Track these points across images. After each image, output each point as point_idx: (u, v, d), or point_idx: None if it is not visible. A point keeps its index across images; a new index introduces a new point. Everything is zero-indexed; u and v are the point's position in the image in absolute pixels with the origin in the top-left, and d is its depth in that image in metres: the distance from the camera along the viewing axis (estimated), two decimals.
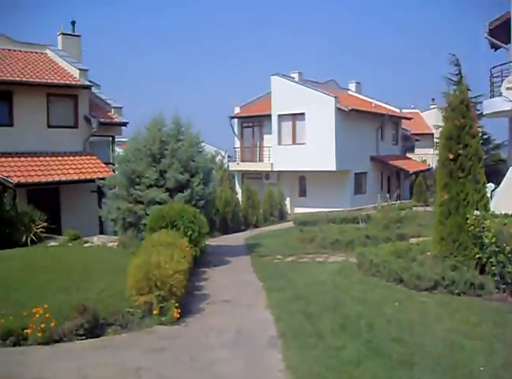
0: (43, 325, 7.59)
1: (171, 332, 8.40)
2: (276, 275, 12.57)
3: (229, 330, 8.47)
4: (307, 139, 32.17)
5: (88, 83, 24.38)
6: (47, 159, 22.41)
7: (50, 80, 23.02)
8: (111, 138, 25.84)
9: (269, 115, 33.99)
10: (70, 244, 17.50)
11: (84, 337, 7.93)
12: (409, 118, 42.84)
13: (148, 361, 7.10)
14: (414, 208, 26.53)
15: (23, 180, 20.27)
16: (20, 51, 25.16)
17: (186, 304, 9.81)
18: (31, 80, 22.40)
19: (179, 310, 8.87)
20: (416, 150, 47.67)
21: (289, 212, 32.29)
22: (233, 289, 11.51)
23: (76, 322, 8.00)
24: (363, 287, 10.91)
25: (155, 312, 8.71)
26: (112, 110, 25.98)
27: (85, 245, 17.30)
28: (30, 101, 22.54)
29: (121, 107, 26.50)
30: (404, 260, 11.74)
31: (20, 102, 22.29)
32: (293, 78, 35.01)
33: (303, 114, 32.40)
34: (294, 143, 33.21)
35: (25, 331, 7.68)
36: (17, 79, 22.02)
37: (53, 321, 7.78)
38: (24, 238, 18.01)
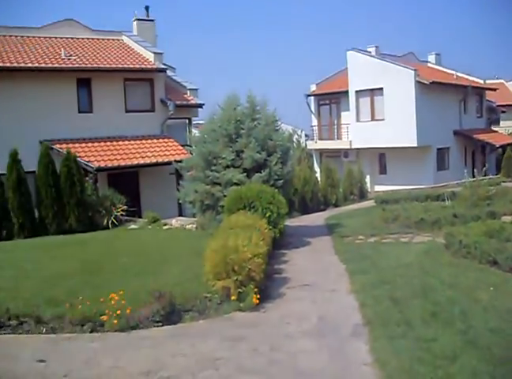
0: (118, 312, 7.35)
1: (249, 319, 7.96)
2: (359, 257, 11.87)
3: (311, 317, 7.93)
4: (386, 114, 30.98)
5: (163, 66, 24.27)
6: (126, 143, 22.53)
7: (126, 65, 23.07)
8: (187, 120, 25.71)
9: (346, 92, 32.93)
10: (150, 226, 17.50)
11: (160, 324, 7.62)
12: (494, 89, 40.56)
13: (227, 350, 6.68)
14: (503, 184, 25.00)
15: (103, 164, 20.44)
16: (98, 39, 25.41)
17: (266, 289, 9.33)
18: (108, 66, 22.51)
19: (258, 296, 8.39)
20: (502, 122, 45.17)
21: (369, 190, 31.28)
22: (314, 272, 10.94)
23: (152, 308, 7.72)
24: (454, 270, 10.08)
25: (233, 297, 8.29)
26: (188, 92, 25.82)
27: (164, 227, 17.23)
28: (108, 87, 22.69)
29: (196, 89, 26.31)
30: (498, 241, 10.83)
31: (99, 88, 22.48)
32: (370, 52, 33.78)
33: (381, 89, 31.20)
34: (373, 119, 32.08)
35: (102, 317, 7.47)
36: (95, 66, 22.18)
37: (129, 308, 7.52)
38: (105, 221, 18.16)
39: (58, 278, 9.92)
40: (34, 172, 17.75)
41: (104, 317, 7.41)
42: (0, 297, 8.70)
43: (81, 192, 17.90)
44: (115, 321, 7.28)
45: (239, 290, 8.35)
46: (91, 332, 7.38)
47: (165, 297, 7.93)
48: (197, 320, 7.90)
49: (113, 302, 7.52)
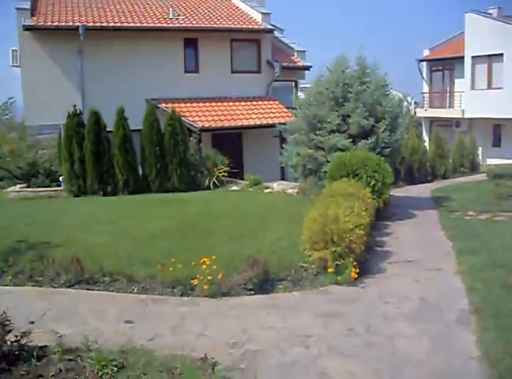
0: (209, 277, 7.04)
1: (346, 294, 7.42)
2: (468, 235, 10.88)
3: (412, 297, 7.24)
4: (505, 83, 28.61)
5: (270, 27, 23.66)
6: (231, 104, 22.33)
7: (233, 26, 22.69)
8: (293, 83, 25.09)
9: (462, 57, 30.75)
10: (250, 189, 17.24)
11: (252, 292, 7.26)
12: None
13: (319, 328, 6.19)
14: None
15: (207, 125, 20.37)
16: None
17: (366, 262, 8.72)
18: (215, 26, 22.24)
19: (357, 270, 7.82)
20: None
21: (481, 163, 29.46)
22: (418, 247, 10.15)
23: (245, 275, 7.37)
24: None
25: (330, 270, 7.75)
26: (295, 53, 25.12)
27: (265, 190, 16.90)
28: (214, 47, 22.46)
29: (304, 51, 25.54)
30: None
31: (205, 48, 22.31)
32: (491, 15, 31.35)
33: (501, 55, 28.81)
34: (489, 87, 29.79)
35: (193, 281, 7.21)
36: (203, 26, 21.99)
37: (220, 274, 7.21)
38: (207, 181, 18.11)
39: (154, 237, 9.82)
40: (140, 130, 17.90)
41: (195, 282, 7.14)
42: (97, 253, 8.73)
43: (184, 151, 17.89)
44: (206, 287, 6.99)
45: (337, 262, 7.79)
46: (181, 295, 7.15)
47: (259, 264, 7.56)
48: (290, 291, 7.47)
49: (204, 266, 7.23)
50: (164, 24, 21.28)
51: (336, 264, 7.79)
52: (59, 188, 18.31)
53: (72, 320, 6.24)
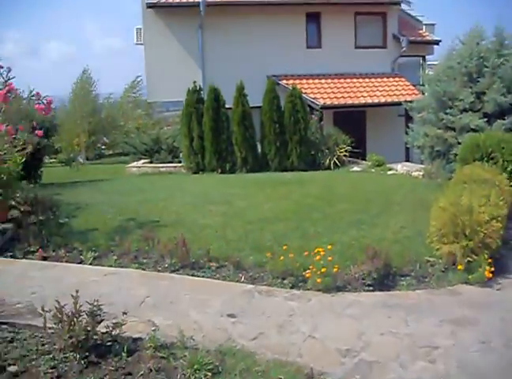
0: (323, 270, 6.23)
1: (478, 297, 6.27)
2: None
3: None
4: None
5: None
6: (354, 80, 21.23)
7: None
8: (421, 58, 23.40)
9: None
10: (373, 170, 16.15)
11: (371, 288, 6.37)
12: None
13: (447, 337, 5.12)
14: None
15: (329, 102, 19.49)
16: None
17: (501, 259, 7.40)
18: None
19: (492, 268, 6.62)
20: None
21: None
22: None
23: (363, 268, 6.49)
24: None
25: (459, 266, 6.65)
26: (423, 27, 23.42)
27: (388, 172, 15.75)
28: (337, 21, 21.41)
29: (433, 24, 23.83)
30: None
31: (328, 23, 21.34)
32: None
33: None
34: None
35: (305, 272, 6.43)
36: None
37: (336, 266, 6.38)
38: (327, 161, 17.26)
39: (267, 220, 9.12)
40: (259, 107, 17.35)
41: (307, 273, 6.36)
42: (205, 235, 8.22)
43: (305, 129, 17.19)
44: (319, 280, 6.19)
45: (469, 258, 6.67)
46: (291, 287, 6.39)
47: (380, 256, 6.66)
48: (414, 290, 6.46)
49: (318, 257, 6.43)
50: None
51: (468, 261, 6.66)
52: (179, 164, 18.32)
53: (171, 310, 5.70)
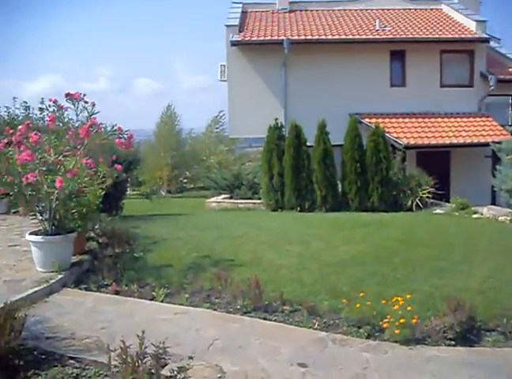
0: (402, 321, 5.79)
1: None
2: None
3: None
4: None
5: (485, 36, 21.42)
6: (439, 120, 20.61)
7: (444, 36, 20.91)
8: (510, 98, 22.49)
9: None
10: (456, 213, 15.40)
11: (452, 343, 5.86)
12: None
13: None
14: None
15: (412, 142, 18.99)
16: (414, 9, 23.69)
17: None
18: (424, 36, 20.68)
19: None
20: None
21: None
22: None
23: (445, 321, 6.00)
24: None
25: None
26: None
27: (473, 216, 14.95)
28: (423, 59, 21.02)
29: None
30: None
31: (413, 61, 20.98)
32: None
33: None
34: None
35: (382, 322, 6.01)
36: (411, 37, 20.61)
37: (415, 317, 5.93)
38: (409, 202, 16.67)
39: (344, 263, 8.73)
40: (340, 146, 17.07)
41: (385, 323, 5.95)
42: (280, 276, 7.95)
43: (387, 169, 16.74)
44: (397, 331, 5.76)
45: None
46: (367, 337, 5.99)
47: (463, 308, 6.15)
48: (500, 347, 5.91)
49: (397, 306, 6.01)
50: (370, 36, 20.27)
51: None
52: (258, 201, 18.24)
53: (239, 355, 5.43)
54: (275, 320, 6.44)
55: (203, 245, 10.01)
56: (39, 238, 7.90)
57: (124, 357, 4.59)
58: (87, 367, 5.03)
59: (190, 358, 4.76)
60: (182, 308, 6.82)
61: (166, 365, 4.60)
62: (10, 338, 5.03)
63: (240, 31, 20.38)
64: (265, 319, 6.47)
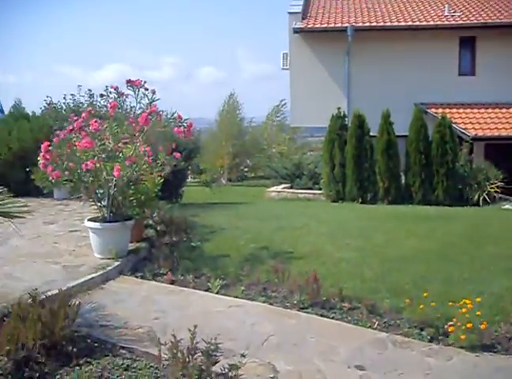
0: (469, 325, 5.41)
1: None
2: None
3: None
4: None
5: None
6: (511, 110, 19.63)
7: None
8: None
9: None
10: None
11: None
12: None
13: None
14: None
15: (481, 133, 18.22)
16: None
17: None
18: (497, 21, 19.68)
19: None
20: None
21: None
22: None
23: None
24: None
25: None
26: None
27: None
28: (494, 46, 20.00)
29: None
30: None
31: (484, 48, 20.08)
32: None
33: None
34: None
35: (447, 325, 5.64)
36: (482, 21, 19.63)
37: (484, 323, 5.53)
38: (476, 196, 15.98)
39: (406, 260, 8.34)
40: (404, 136, 16.53)
41: (450, 327, 5.58)
42: (339, 271, 7.67)
43: (453, 161, 16.07)
44: (463, 336, 5.39)
45: None
46: (430, 340, 5.63)
47: None
48: None
49: (464, 309, 5.62)
50: (438, 22, 19.48)
51: None
52: (318, 191, 17.93)
53: (294, 353, 5.21)
54: (332, 318, 6.17)
55: (262, 235, 9.83)
56: (97, 225, 7.91)
57: (175, 351, 4.46)
58: (138, 358, 4.94)
59: (243, 355, 4.55)
60: (237, 301, 6.65)
61: (217, 362, 4.42)
62: (64, 325, 4.98)
63: (303, 19, 20.02)
64: (322, 316, 6.21)
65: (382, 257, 8.49)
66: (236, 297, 6.75)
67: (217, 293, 6.89)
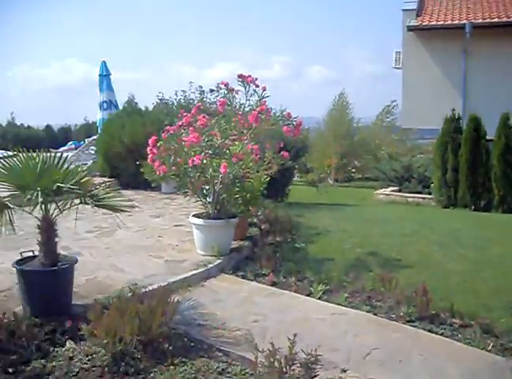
0: None
1: None
2: None
3: None
4: None
5: None
6: None
7: None
8: None
9: None
10: None
11: None
12: None
13: None
14: None
15: None
16: None
17: None
18: None
19: None
20: None
21: None
22: None
23: None
24: None
25: None
26: None
27: None
28: None
29: None
30: None
31: None
32: None
33: None
34: None
35: None
36: None
37: None
38: None
39: None
40: None
41: None
42: (451, 283, 7.10)
43: None
44: None
45: None
46: None
47: None
48: None
49: None
50: None
51: None
52: (428, 196, 17.18)
53: (398, 371, 4.77)
54: (441, 334, 5.65)
55: (368, 240, 9.38)
56: (200, 221, 7.82)
57: (272, 360, 4.20)
58: (233, 363, 4.72)
59: (344, 370, 4.21)
60: (339, 308, 6.28)
61: (316, 375, 4.12)
62: (162, 321, 4.87)
63: (418, 16, 19.14)
64: (430, 331, 5.70)
65: (499, 271, 7.76)
66: (339, 304, 6.39)
67: (319, 298, 6.55)
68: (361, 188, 25.90)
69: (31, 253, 5.49)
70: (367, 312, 6.17)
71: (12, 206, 5.19)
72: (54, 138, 33.90)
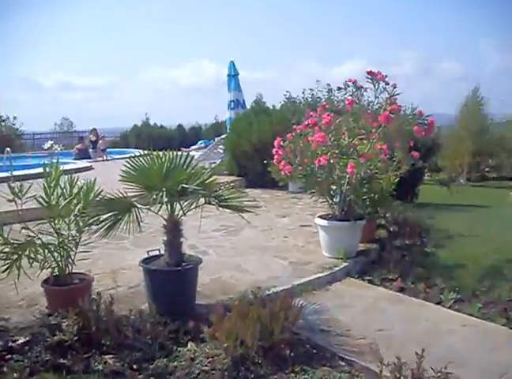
0: None
1: None
2: None
3: None
4: None
5: None
6: None
7: None
8: None
9: None
10: None
11: None
12: None
13: None
14: None
15: None
16: None
17: None
18: None
19: None
20: None
21: None
22: None
23: None
24: None
25: None
26: None
27: None
28: None
29: None
30: None
31: None
32: None
33: None
34: None
35: None
36: None
37: None
38: None
39: None
40: None
41: None
42: None
43: None
44: None
45: None
46: None
47: None
48: None
49: None
50: None
51: None
52: None
53: None
54: None
55: (508, 246, 8.58)
56: (325, 223, 7.57)
57: (397, 376, 3.88)
58: (357, 374, 4.44)
59: None
60: (471, 319, 5.75)
61: None
62: (285, 326, 4.70)
63: None
64: None
65: None
66: (471, 315, 5.85)
67: (449, 307, 6.07)
68: (496, 188, 24.24)
69: (157, 252, 5.55)
70: (503, 325, 5.59)
71: (139, 206, 5.27)
72: (186, 137, 34.96)
